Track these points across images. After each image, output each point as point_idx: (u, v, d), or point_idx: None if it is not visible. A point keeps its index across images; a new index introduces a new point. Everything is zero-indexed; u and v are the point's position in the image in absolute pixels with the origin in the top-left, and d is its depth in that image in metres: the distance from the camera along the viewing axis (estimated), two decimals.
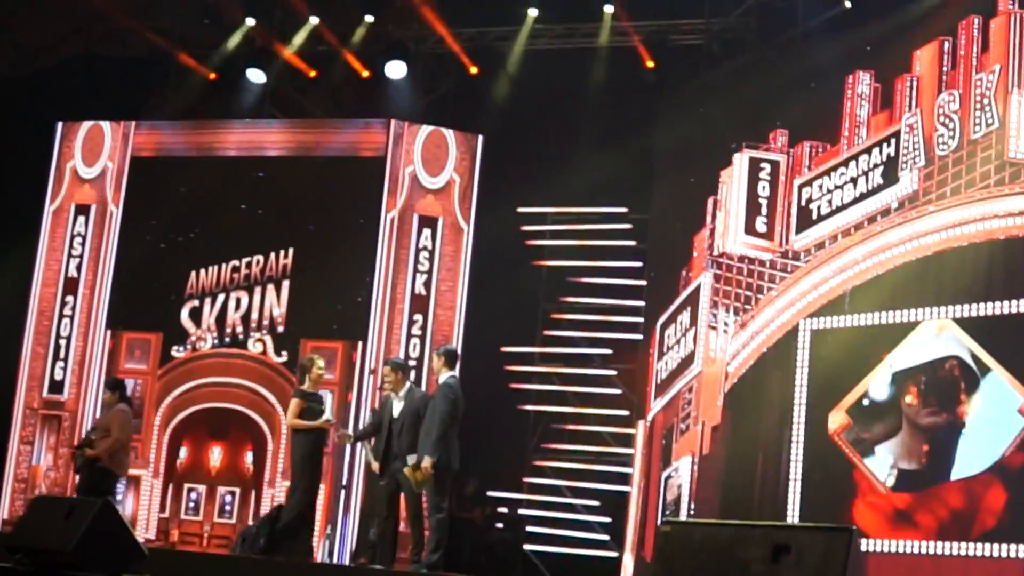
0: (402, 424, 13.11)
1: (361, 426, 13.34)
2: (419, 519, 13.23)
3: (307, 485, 13.47)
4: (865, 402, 14.72)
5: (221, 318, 19.15)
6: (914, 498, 14.29)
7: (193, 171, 19.83)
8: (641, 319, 17.63)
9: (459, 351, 15.20)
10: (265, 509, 18.28)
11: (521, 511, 18.32)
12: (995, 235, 13.99)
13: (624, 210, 18.49)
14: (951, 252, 14.35)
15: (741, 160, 16.16)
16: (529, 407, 18.68)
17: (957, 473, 13.98)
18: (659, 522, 15.95)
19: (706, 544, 5.37)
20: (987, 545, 13.52)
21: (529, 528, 18.08)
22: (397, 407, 13.23)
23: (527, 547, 17.82)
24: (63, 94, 20.10)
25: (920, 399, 14.41)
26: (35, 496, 17.16)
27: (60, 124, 20.37)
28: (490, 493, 18.32)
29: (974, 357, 13.94)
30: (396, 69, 19.68)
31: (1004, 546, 13.38)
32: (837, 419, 14.89)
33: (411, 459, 12.71)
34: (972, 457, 13.86)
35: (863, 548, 13.92)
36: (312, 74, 20.56)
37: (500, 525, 18.29)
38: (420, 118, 19.23)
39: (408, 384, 13.56)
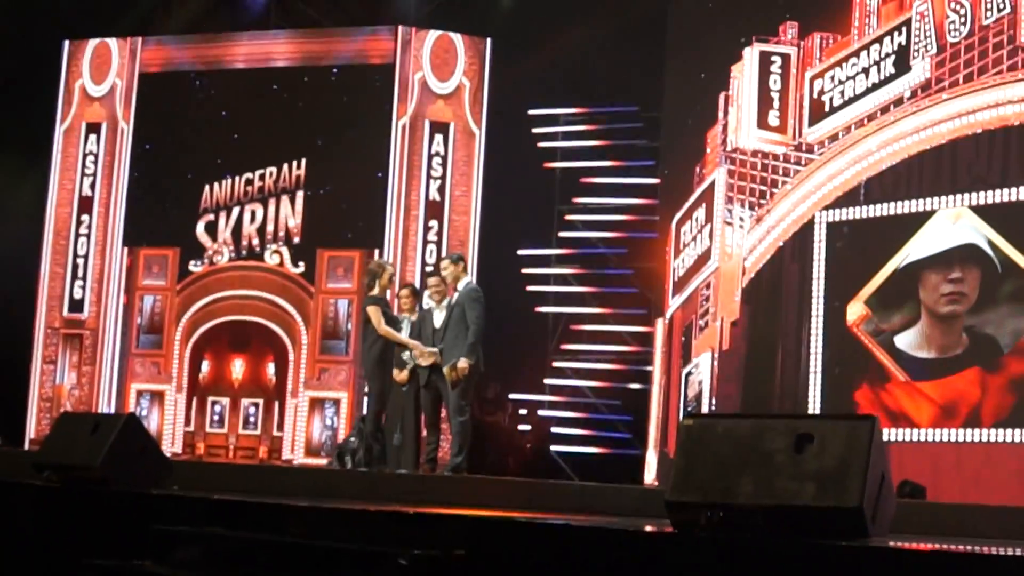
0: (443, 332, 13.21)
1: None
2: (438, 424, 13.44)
3: (377, 389, 13.39)
4: (883, 292, 14.74)
5: (237, 231, 19.20)
6: (934, 387, 14.34)
7: (202, 85, 19.81)
8: (656, 217, 17.62)
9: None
10: (289, 419, 18.42)
11: (543, 412, 18.42)
12: (1009, 121, 13.95)
13: (635, 108, 18.44)
14: (965, 140, 14.31)
15: (752, 54, 16.08)
16: (547, 309, 18.72)
17: (976, 361, 14.01)
18: (681, 418, 16.03)
19: (729, 436, 5.41)
20: (1008, 431, 13.59)
21: (552, 429, 18.20)
22: (439, 318, 13.27)
23: (552, 448, 17.94)
24: (69, 12, 20.01)
25: (938, 288, 14.42)
26: (61, 413, 17.27)
27: (67, 43, 20.32)
28: (512, 396, 18.42)
29: (991, 244, 13.94)
30: None
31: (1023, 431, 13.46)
32: (855, 311, 14.91)
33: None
34: (991, 344, 13.90)
35: (885, 438, 13.98)
36: None
37: (524, 427, 18.41)
38: (427, 23, 19.14)
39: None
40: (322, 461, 17.85)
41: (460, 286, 13.24)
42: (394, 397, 13.53)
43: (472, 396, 13.28)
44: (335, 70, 19.24)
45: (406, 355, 13.42)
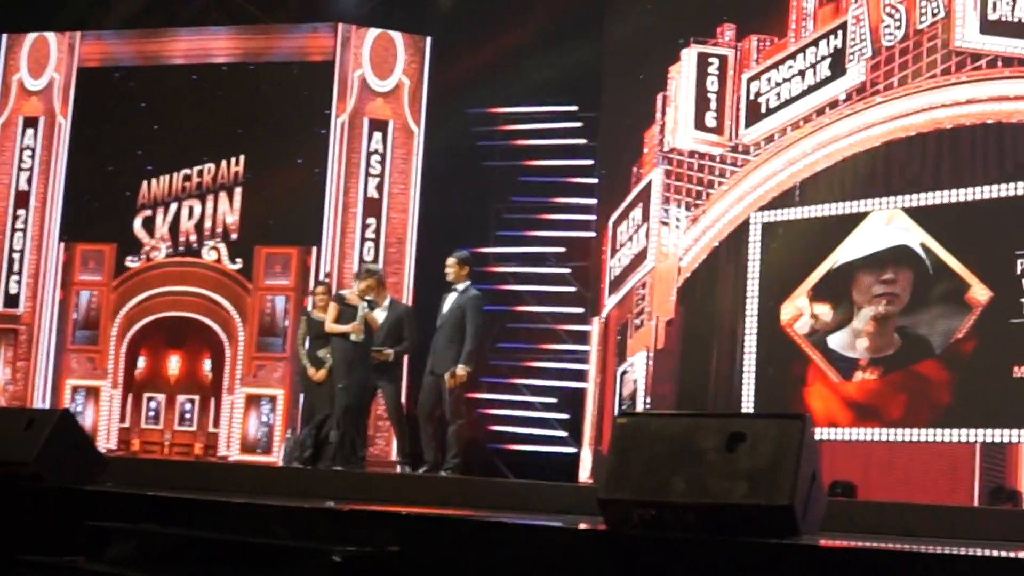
0: (385, 333, 13.29)
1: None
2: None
3: (338, 396, 13.43)
4: (817, 293, 14.86)
5: (174, 227, 19.12)
6: (867, 387, 14.47)
7: (141, 80, 19.71)
8: (593, 217, 17.67)
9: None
10: (225, 416, 18.38)
11: (480, 410, 18.43)
12: (942, 124, 14.10)
13: (574, 108, 18.47)
14: (899, 143, 14.46)
15: (689, 55, 16.17)
16: (485, 308, 18.72)
17: (908, 361, 14.16)
18: (615, 416, 16.09)
19: (662, 434, 5.45)
20: (938, 431, 13.73)
21: (488, 427, 18.22)
22: (379, 316, 13.31)
23: (488, 445, 17.96)
24: (7, 6, 19.86)
25: (871, 289, 14.55)
26: None
27: (5, 36, 20.18)
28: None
29: (923, 246, 14.08)
30: None
31: (955, 431, 13.59)
32: (789, 311, 15.03)
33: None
34: (923, 345, 14.04)
35: (817, 437, 14.09)
36: None
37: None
38: (367, 21, 19.11)
39: (389, 296, 13.81)
40: (259, 458, 17.83)
41: (460, 287, 13.29)
42: (318, 395, 13.62)
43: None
44: (274, 67, 19.18)
45: (322, 352, 13.54)
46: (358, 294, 13.30)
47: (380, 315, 13.34)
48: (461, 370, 12.85)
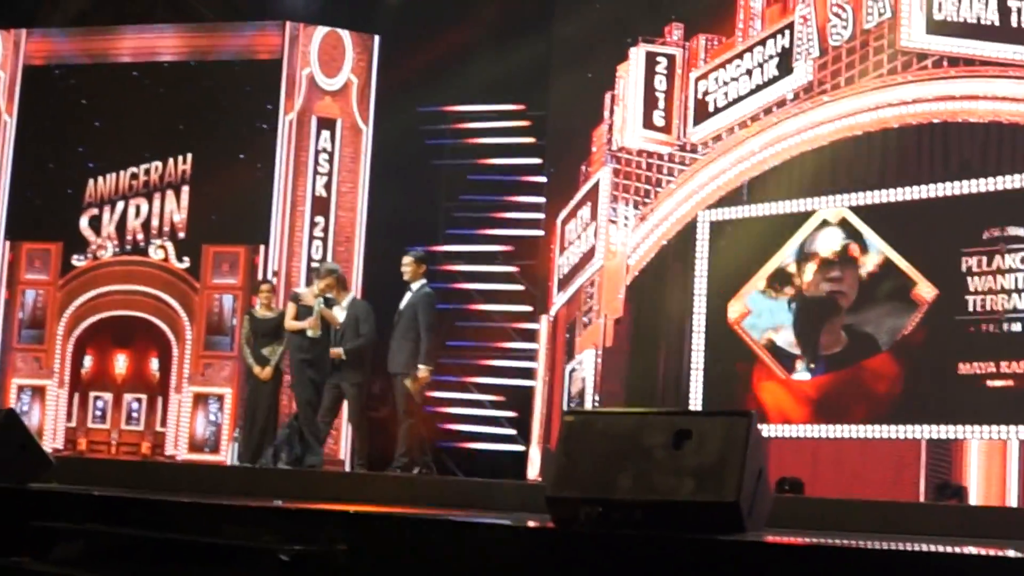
0: (343, 332, 13.30)
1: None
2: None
3: (297, 391, 13.44)
4: (764, 291, 14.93)
5: (121, 226, 19.01)
6: (813, 383, 14.56)
7: (87, 78, 19.58)
8: (542, 215, 17.69)
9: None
10: (172, 415, 18.30)
11: (428, 408, 18.41)
12: (888, 124, 14.21)
13: (522, 107, 18.47)
14: (846, 142, 14.56)
15: (637, 54, 16.21)
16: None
17: (855, 358, 14.25)
18: (563, 414, 16.11)
19: (609, 432, 5.47)
20: (885, 428, 13.82)
21: (436, 425, 18.20)
22: (339, 315, 13.32)
23: (436, 443, 17.94)
24: None
25: (818, 287, 14.63)
26: None
27: None
28: None
29: (870, 244, 14.17)
30: None
31: (902, 427, 13.69)
32: (737, 308, 15.10)
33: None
34: (869, 342, 14.14)
35: (765, 434, 14.16)
36: None
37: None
38: (315, 19, 19.06)
39: (351, 295, 13.84)
40: (207, 457, 17.77)
41: (415, 286, 13.29)
42: (262, 394, 13.64)
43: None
44: (221, 65, 19.10)
45: (267, 351, 13.54)
46: (317, 293, 13.30)
47: (340, 314, 13.33)
48: (423, 371, 12.88)
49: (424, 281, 13.37)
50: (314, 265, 17.56)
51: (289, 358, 13.65)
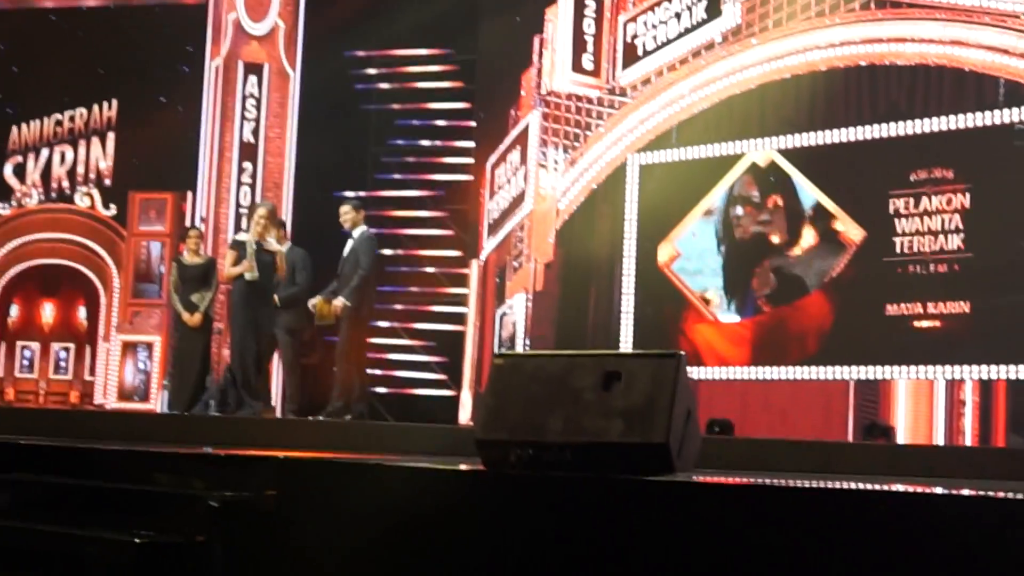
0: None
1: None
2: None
3: (234, 337, 13.35)
4: (694, 234, 14.97)
5: (46, 173, 18.85)
6: (743, 325, 14.63)
7: (8, 24, 19.33)
8: (471, 160, 17.65)
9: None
10: (101, 364, 18.20)
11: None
12: (816, 66, 14.24)
13: (450, 51, 18.40)
14: (774, 84, 14.59)
15: None
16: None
17: (783, 300, 14.33)
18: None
19: (538, 374, 5.46)
20: (813, 369, 13.92)
21: (367, 370, 18.17)
22: (274, 247, 13.31)
23: (368, 388, 17.92)
24: None
25: (747, 229, 14.69)
26: None
27: None
28: (328, 338, 18.34)
29: (798, 187, 14.23)
30: None
31: (831, 368, 13.79)
32: (667, 251, 15.13)
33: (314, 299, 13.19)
34: (797, 284, 14.21)
35: (695, 376, 14.24)
36: None
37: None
38: None
39: (289, 244, 13.79)
40: (136, 405, 17.68)
41: (356, 233, 13.27)
42: (190, 340, 13.57)
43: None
44: (145, 10, 18.90)
45: (196, 297, 13.47)
46: (255, 236, 13.20)
47: (274, 247, 13.29)
48: (338, 301, 12.82)
49: (365, 227, 13.35)
50: (242, 212, 17.49)
51: (230, 306, 13.55)
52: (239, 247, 13.37)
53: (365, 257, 13.13)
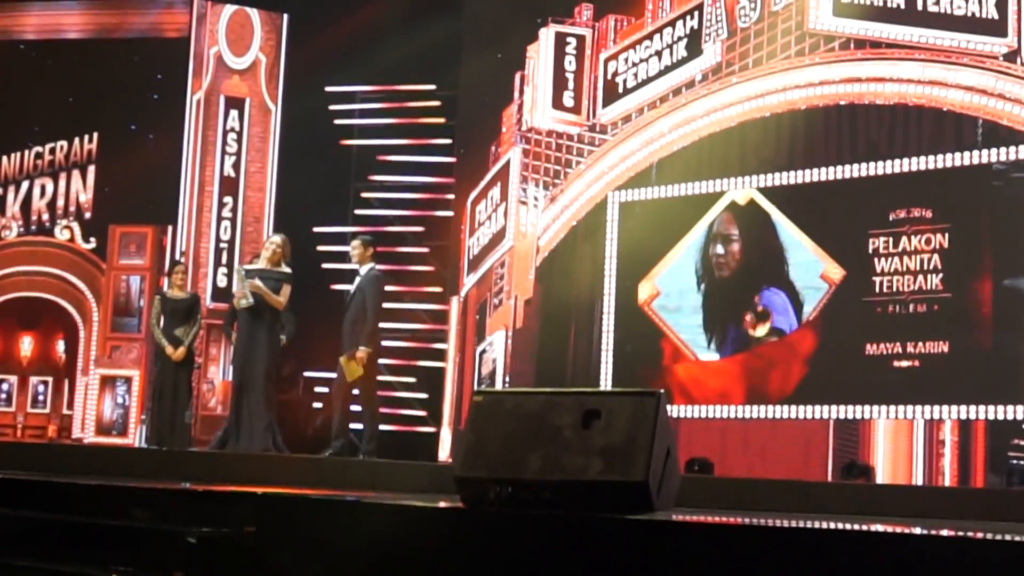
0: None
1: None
2: None
3: (243, 361, 13.10)
4: (673, 271, 14.99)
5: (26, 205, 18.81)
6: (722, 364, 14.63)
7: None
8: (452, 196, 17.68)
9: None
10: (79, 397, 18.14)
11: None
12: (796, 105, 14.29)
13: (432, 87, 18.44)
14: (754, 123, 14.63)
15: (547, 35, 16.22)
16: (342, 287, 18.64)
17: (763, 339, 14.33)
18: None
19: (517, 412, 5.45)
20: (793, 408, 13.93)
21: (348, 406, 18.12)
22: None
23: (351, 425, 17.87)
24: None
25: (727, 268, 14.71)
26: None
27: None
28: (307, 373, 18.32)
29: (778, 225, 14.26)
30: None
31: (810, 407, 13.79)
32: (646, 289, 15.15)
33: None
34: (777, 323, 14.22)
35: (675, 415, 14.24)
36: None
37: (317, 404, 18.32)
38: None
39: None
40: (114, 439, 17.62)
41: (363, 269, 13.18)
42: (170, 374, 13.44)
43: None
44: (128, 43, 18.90)
45: (180, 331, 13.37)
46: (265, 264, 12.99)
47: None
48: (361, 352, 12.77)
49: (372, 264, 13.26)
50: (222, 246, 17.48)
51: (238, 338, 13.19)
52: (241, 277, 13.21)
53: (372, 299, 12.99)
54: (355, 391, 13.16)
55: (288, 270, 12.97)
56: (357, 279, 13.17)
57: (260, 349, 12.74)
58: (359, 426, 13.72)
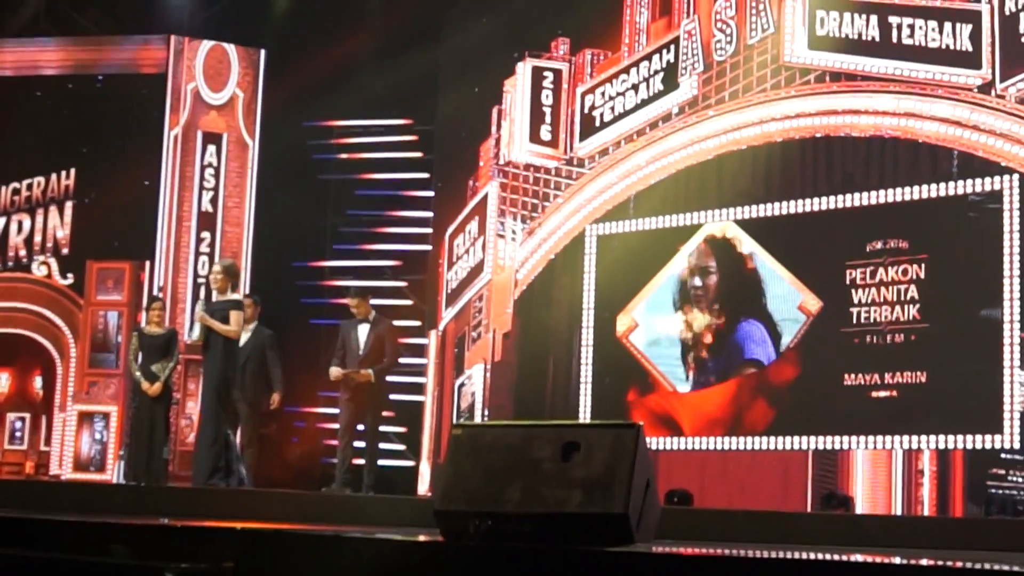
0: (246, 359, 13.22)
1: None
2: None
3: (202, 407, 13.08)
4: (651, 304, 15.01)
5: (3, 241, 18.75)
6: (701, 396, 14.64)
7: None
8: (430, 230, 17.70)
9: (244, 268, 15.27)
10: (57, 434, 18.07)
11: (319, 424, 18.33)
12: (772, 138, 14.36)
13: (409, 122, 18.47)
14: (731, 155, 14.69)
15: (524, 69, 16.26)
16: (321, 321, 18.62)
17: (741, 370, 14.36)
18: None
19: (497, 445, 5.46)
20: (771, 439, 13.94)
21: (326, 441, 18.10)
22: (245, 338, 13.21)
23: (325, 459, 17.85)
24: None
25: (704, 300, 14.74)
26: None
27: None
28: (286, 408, 18.25)
29: (755, 258, 14.30)
30: None
31: (789, 438, 13.82)
32: (625, 322, 15.17)
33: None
34: (755, 354, 14.25)
35: (654, 447, 14.24)
36: None
37: (295, 439, 18.29)
38: (200, 33, 18.92)
39: (256, 323, 13.67)
40: (92, 476, 17.54)
41: (372, 318, 13.39)
42: (148, 410, 13.39)
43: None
44: (105, 79, 18.89)
45: (156, 367, 13.31)
46: (217, 295, 12.99)
47: (245, 337, 13.14)
48: (367, 371, 13.12)
49: (375, 313, 13.51)
50: (200, 281, 17.46)
51: (206, 377, 13.16)
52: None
53: (391, 345, 13.33)
54: (360, 427, 13.35)
55: (236, 296, 12.98)
56: (366, 326, 13.29)
57: (209, 375, 12.78)
58: (359, 460, 13.83)
